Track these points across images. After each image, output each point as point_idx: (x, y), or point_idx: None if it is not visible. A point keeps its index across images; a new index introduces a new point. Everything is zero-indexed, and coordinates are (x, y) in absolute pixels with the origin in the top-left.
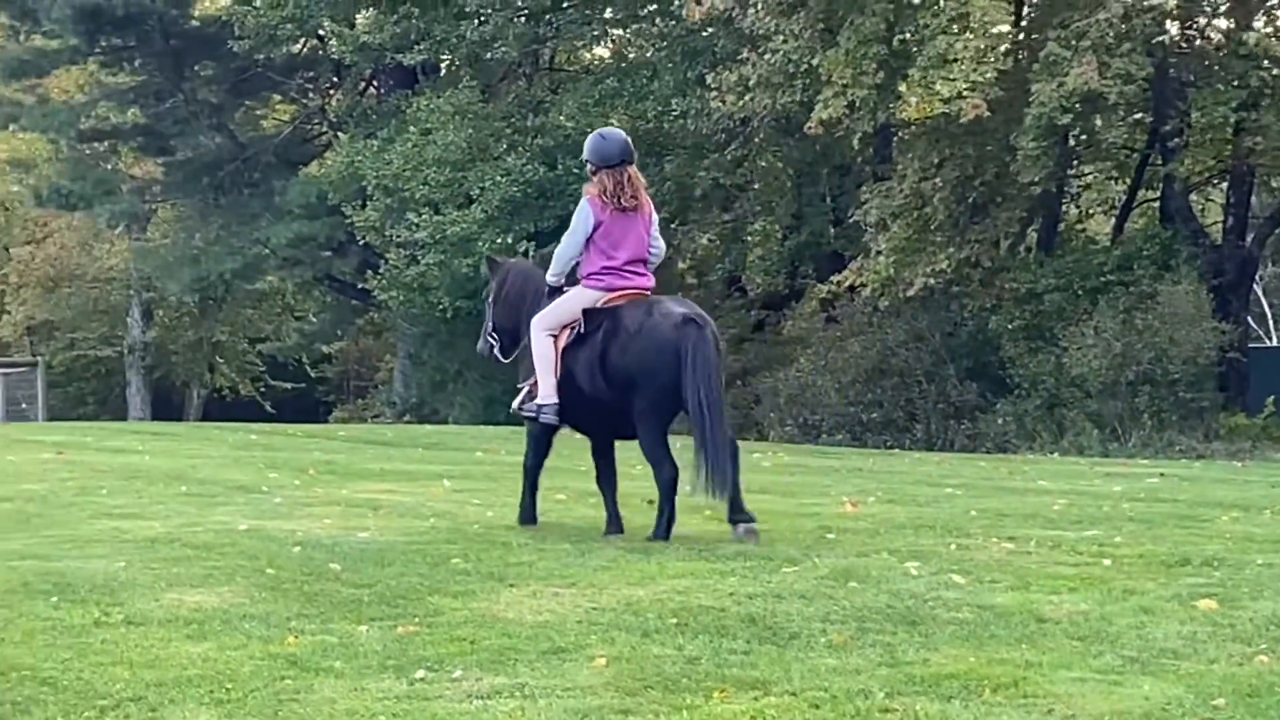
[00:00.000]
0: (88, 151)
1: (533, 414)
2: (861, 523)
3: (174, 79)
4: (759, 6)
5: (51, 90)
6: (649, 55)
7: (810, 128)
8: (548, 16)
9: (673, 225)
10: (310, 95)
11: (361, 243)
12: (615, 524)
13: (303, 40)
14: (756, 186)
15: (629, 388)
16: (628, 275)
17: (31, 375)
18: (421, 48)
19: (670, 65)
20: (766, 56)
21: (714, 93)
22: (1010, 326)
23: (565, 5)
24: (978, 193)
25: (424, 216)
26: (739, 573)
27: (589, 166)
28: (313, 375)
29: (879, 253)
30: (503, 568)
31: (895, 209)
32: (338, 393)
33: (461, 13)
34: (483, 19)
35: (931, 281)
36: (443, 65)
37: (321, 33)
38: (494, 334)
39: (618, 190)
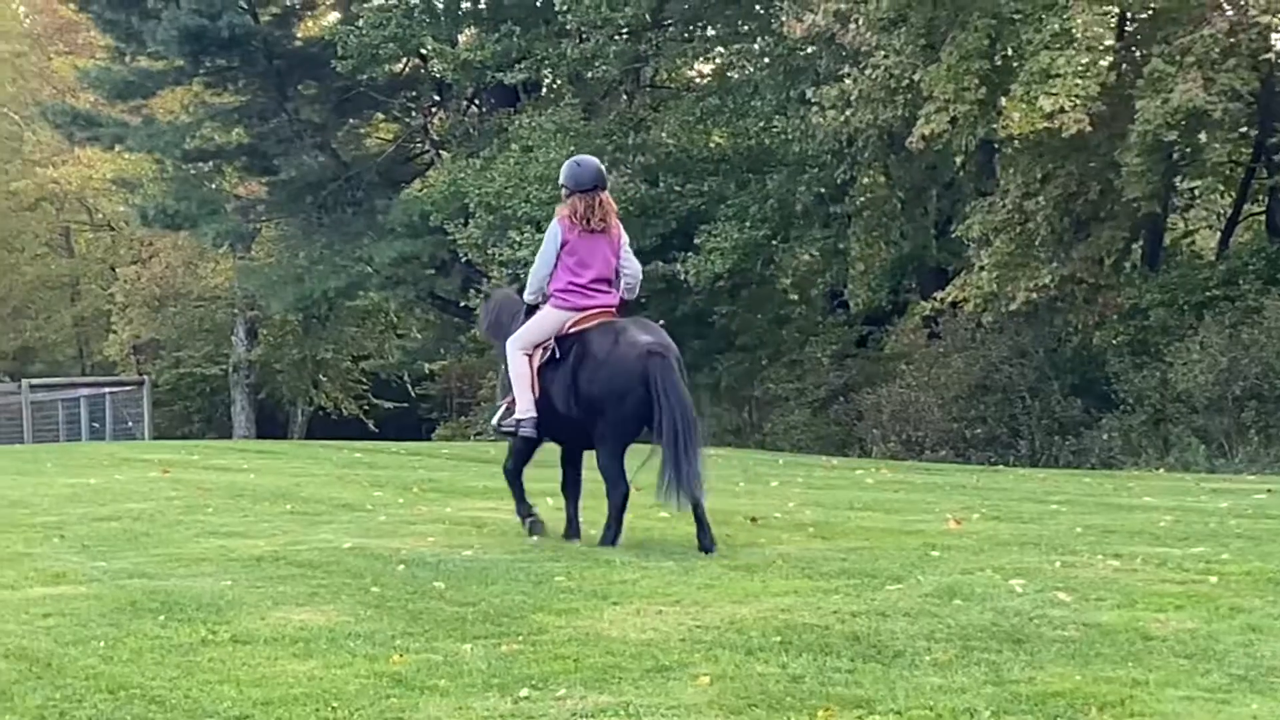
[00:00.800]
0: (193, 171)
1: (511, 429)
2: (965, 540)
3: (278, 99)
4: (860, 23)
5: (157, 111)
6: (750, 72)
7: (912, 143)
8: (649, 34)
9: (774, 241)
10: (413, 114)
11: (464, 261)
12: (574, 530)
13: (405, 59)
14: (858, 202)
15: (596, 411)
16: (592, 294)
17: (138, 394)
18: (523, 66)
19: (771, 82)
20: (868, 73)
21: (815, 109)
22: (1115, 341)
23: (666, 23)
24: (1081, 209)
25: (526, 234)
26: (843, 591)
27: (564, 190)
28: (415, 393)
29: (982, 268)
30: (606, 585)
31: (998, 224)
32: (440, 410)
33: (562, 30)
34: (584, 37)
35: (1035, 297)
36: (544, 83)
37: (424, 52)
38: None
39: (588, 212)
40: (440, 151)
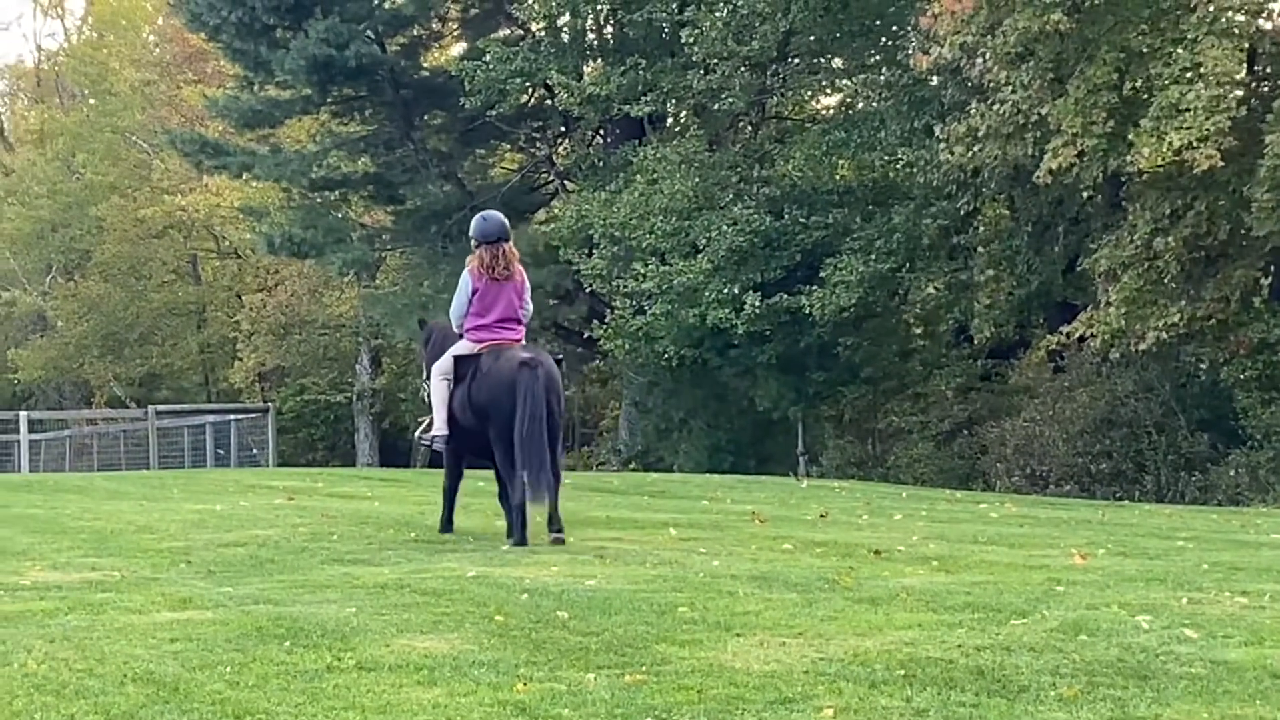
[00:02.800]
0: (319, 200)
1: (427, 443)
2: (1091, 575)
3: (404, 128)
4: (987, 56)
5: (284, 140)
6: (876, 105)
7: (1039, 177)
8: (774, 66)
9: (899, 274)
10: (538, 145)
11: (588, 291)
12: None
13: (531, 90)
14: (983, 235)
15: (484, 418)
16: (497, 331)
17: (262, 420)
18: (648, 99)
19: (897, 114)
20: (995, 107)
21: (942, 144)
22: (1243, 377)
23: (792, 55)
24: (1210, 245)
25: (650, 266)
26: (967, 624)
27: (472, 242)
28: None
29: (1109, 304)
30: (729, 617)
31: (1126, 259)
32: (563, 440)
33: (688, 63)
34: (709, 69)
35: (1164, 336)
36: (669, 115)
37: (549, 84)
38: (429, 382)
39: (493, 263)
40: (565, 182)
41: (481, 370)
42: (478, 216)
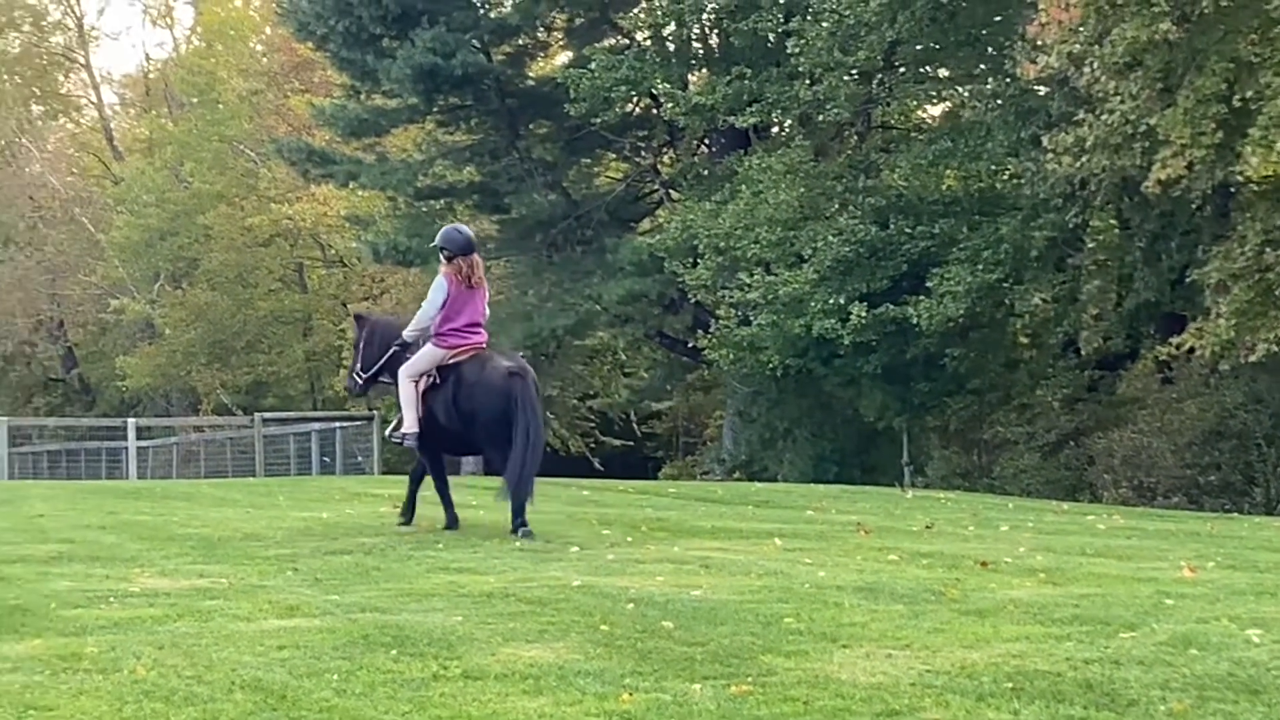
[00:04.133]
0: (424, 208)
1: (399, 440)
2: (1200, 588)
3: (509, 137)
4: (1094, 66)
5: (390, 148)
6: (982, 114)
7: (1148, 188)
8: (880, 76)
9: (1006, 285)
10: (643, 154)
11: (693, 301)
12: (452, 520)
13: (636, 99)
14: (1090, 246)
15: (470, 422)
16: (466, 335)
17: (368, 428)
18: (753, 109)
19: (1004, 124)
20: (1103, 117)
21: (1050, 154)
22: None
23: (898, 65)
24: None
25: (755, 276)
26: (1075, 637)
27: (445, 252)
28: (641, 431)
29: (1219, 315)
30: (835, 628)
31: (1236, 270)
32: (666, 449)
33: (794, 73)
34: (815, 79)
35: (1275, 348)
36: (774, 126)
37: (655, 93)
38: (359, 373)
39: (469, 272)
40: (670, 191)
41: (467, 377)
42: (452, 229)
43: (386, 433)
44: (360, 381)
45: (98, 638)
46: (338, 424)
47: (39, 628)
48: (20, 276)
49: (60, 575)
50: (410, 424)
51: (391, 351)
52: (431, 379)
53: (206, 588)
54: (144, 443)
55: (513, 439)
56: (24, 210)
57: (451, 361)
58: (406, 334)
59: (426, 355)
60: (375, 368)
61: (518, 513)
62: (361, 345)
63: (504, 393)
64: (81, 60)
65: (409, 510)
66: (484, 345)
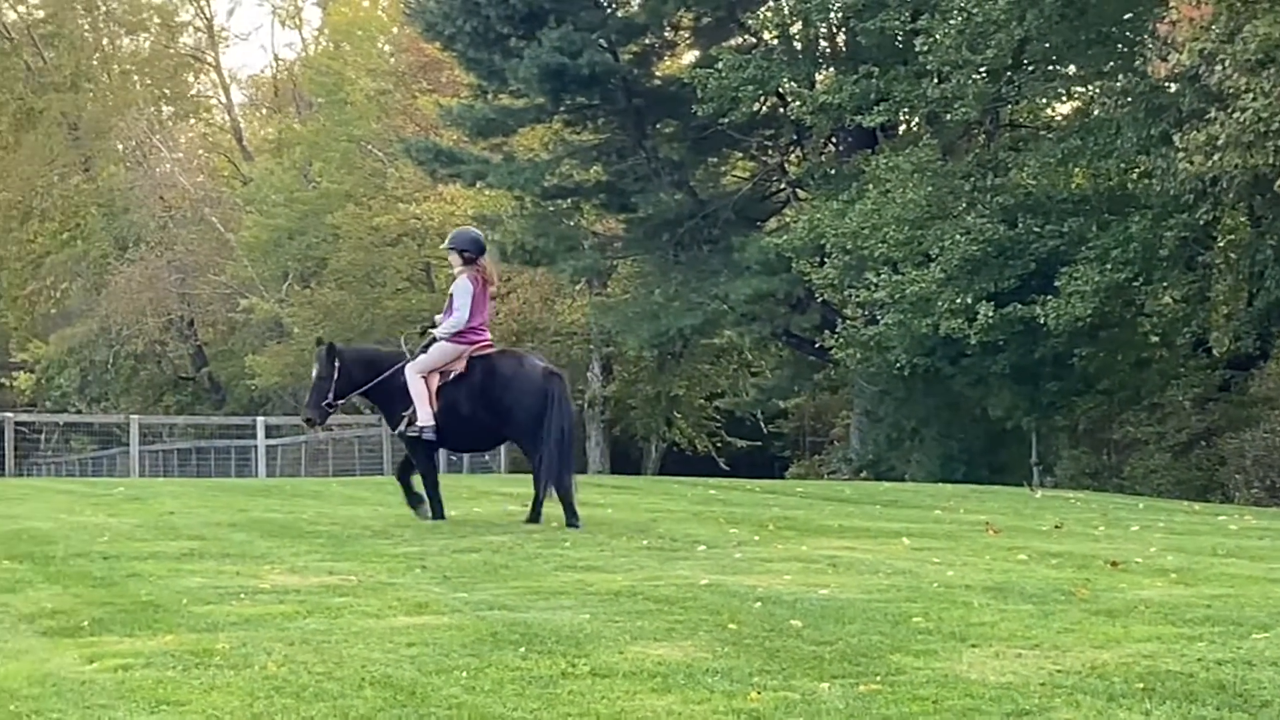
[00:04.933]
0: (551, 208)
1: (416, 434)
2: None
3: (636, 137)
4: (1226, 64)
5: (517, 148)
6: (1112, 112)
7: None
8: (1009, 74)
9: (1136, 284)
10: (770, 153)
11: (820, 300)
12: (438, 510)
13: (763, 98)
14: (1221, 245)
15: (506, 415)
16: (479, 334)
17: None
18: (881, 108)
19: (1134, 122)
20: (1235, 115)
21: (1181, 153)
22: None
23: (1027, 63)
24: None
25: (883, 275)
26: (1207, 638)
27: (466, 254)
28: (767, 431)
29: None
30: (964, 628)
31: None
32: (793, 448)
33: (921, 71)
34: (943, 78)
35: None
36: (902, 124)
37: (781, 92)
38: (328, 404)
39: (488, 274)
40: (797, 190)
41: (503, 371)
42: (469, 231)
43: (397, 430)
44: (328, 410)
45: (229, 634)
46: None
47: (171, 623)
48: (151, 276)
49: (191, 572)
50: (427, 418)
51: (396, 367)
52: (449, 375)
53: (336, 585)
54: (273, 441)
55: (547, 437)
56: (155, 210)
57: (479, 355)
58: (440, 333)
59: (441, 352)
60: (362, 389)
61: (568, 508)
62: (336, 375)
63: (542, 390)
64: (211, 61)
65: (430, 504)
66: (491, 343)
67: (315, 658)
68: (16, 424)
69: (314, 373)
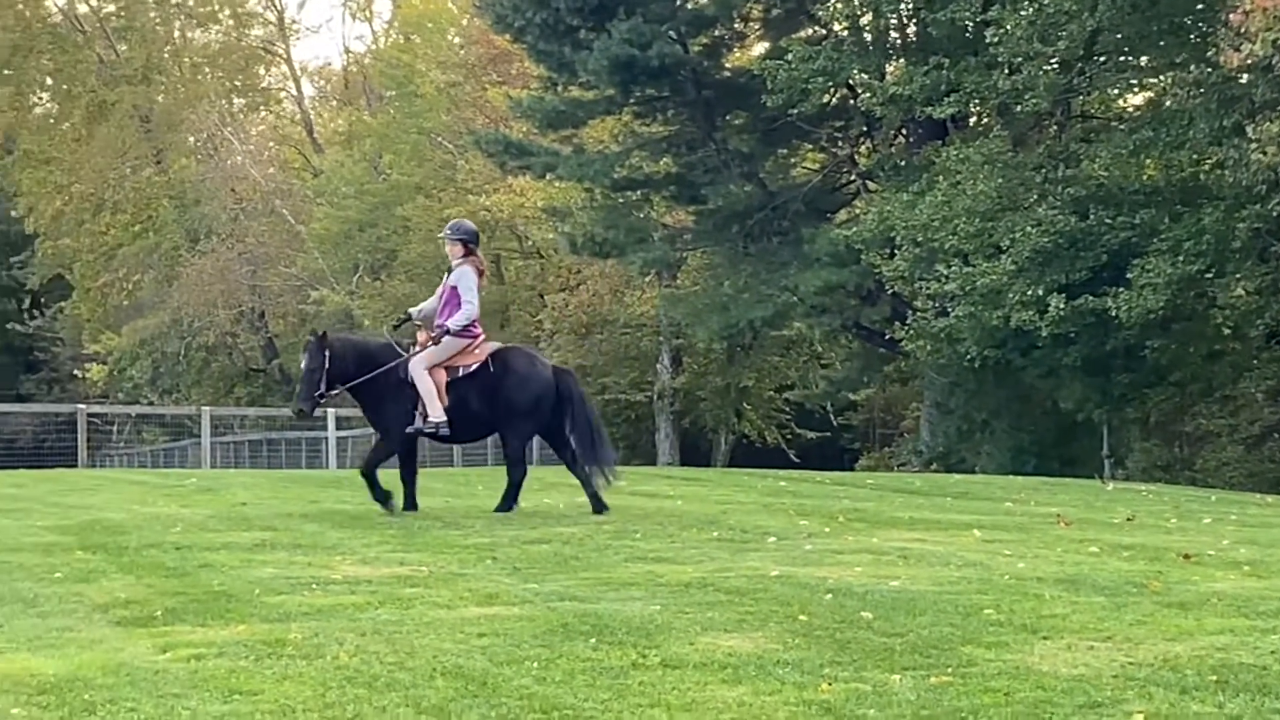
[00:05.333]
0: (621, 200)
1: (433, 430)
2: None
3: (705, 128)
4: None
5: (587, 140)
6: (1184, 103)
7: None
8: (1080, 65)
9: (1207, 275)
10: (839, 145)
11: (890, 292)
12: (412, 504)
13: (833, 90)
14: None
15: (514, 412)
16: (476, 327)
17: None
18: (951, 100)
19: (1206, 113)
20: None
21: (1254, 144)
22: None
23: (1098, 53)
24: None
25: (953, 267)
26: None
27: (467, 245)
28: (837, 423)
29: None
30: (1035, 620)
31: None
32: (862, 441)
33: (992, 62)
34: (1013, 69)
35: None
36: (972, 116)
37: (851, 83)
38: (319, 395)
39: (483, 266)
40: (867, 182)
41: (518, 370)
42: (466, 223)
43: (411, 428)
44: (319, 401)
45: (301, 624)
46: None
47: (244, 613)
48: (222, 268)
49: (264, 562)
50: (438, 413)
51: (392, 364)
52: (463, 368)
53: (407, 575)
54: (343, 433)
55: (579, 430)
56: (226, 202)
57: (487, 352)
58: (452, 324)
59: (449, 346)
60: (355, 381)
61: (595, 496)
62: (326, 364)
63: (556, 386)
64: (282, 54)
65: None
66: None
67: (387, 648)
68: (89, 415)
69: (303, 363)
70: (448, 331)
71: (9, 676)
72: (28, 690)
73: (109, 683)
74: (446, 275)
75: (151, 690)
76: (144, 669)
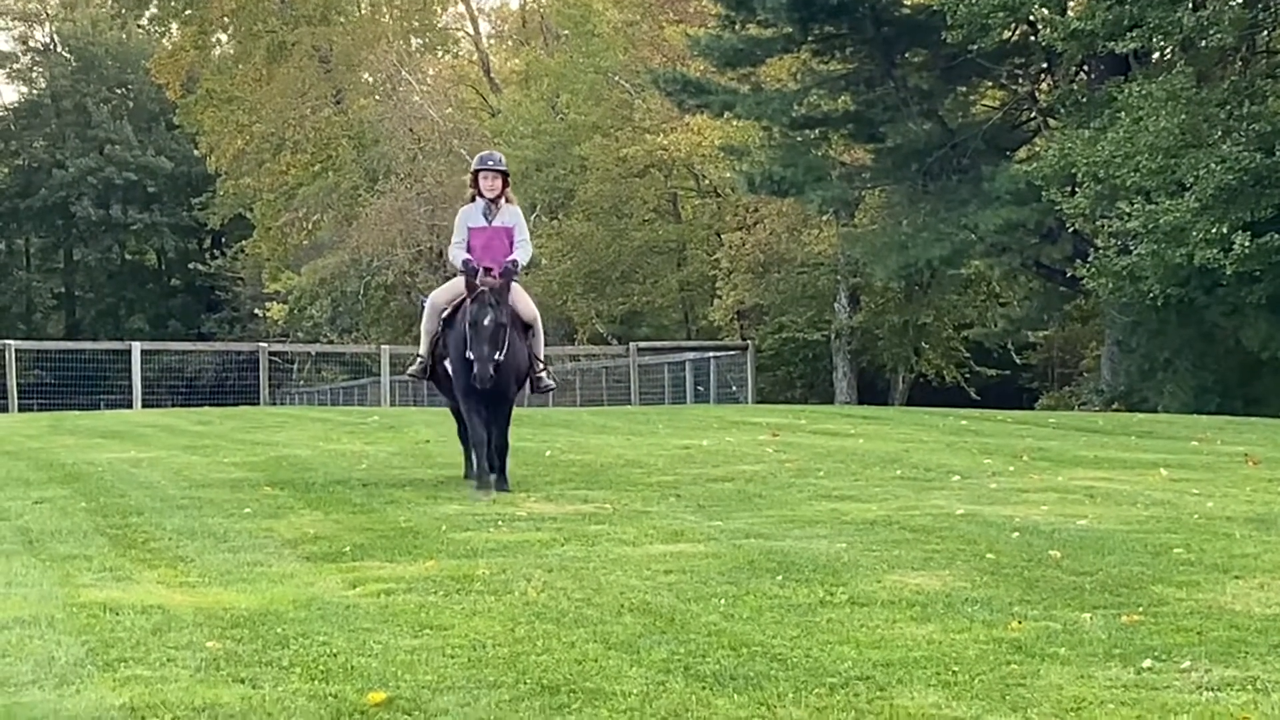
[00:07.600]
0: (799, 138)
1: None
2: None
3: (884, 66)
4: None
5: (764, 78)
6: None
7: None
8: (1266, 0)
9: None
10: (1020, 81)
11: (1071, 230)
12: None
13: (1013, 26)
14: None
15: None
16: None
17: (741, 359)
18: (1134, 35)
19: None
20: None
21: None
22: None
23: None
24: None
25: (1135, 205)
26: None
27: (509, 179)
28: (1017, 362)
29: None
30: (1226, 559)
31: None
32: (1041, 380)
33: None
34: (1198, 5)
35: None
36: (1155, 52)
37: (1032, 19)
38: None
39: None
40: (1048, 119)
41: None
42: (498, 154)
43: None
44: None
45: (488, 560)
46: (711, 354)
47: (431, 550)
48: (400, 207)
49: (449, 499)
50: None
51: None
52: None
53: (591, 513)
54: None
55: None
56: (404, 142)
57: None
58: (523, 260)
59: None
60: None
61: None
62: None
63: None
64: None
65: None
66: None
67: (574, 584)
68: (270, 353)
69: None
70: (516, 267)
71: (203, 610)
72: (221, 624)
73: (301, 616)
74: (468, 209)
75: (343, 624)
76: (335, 604)
